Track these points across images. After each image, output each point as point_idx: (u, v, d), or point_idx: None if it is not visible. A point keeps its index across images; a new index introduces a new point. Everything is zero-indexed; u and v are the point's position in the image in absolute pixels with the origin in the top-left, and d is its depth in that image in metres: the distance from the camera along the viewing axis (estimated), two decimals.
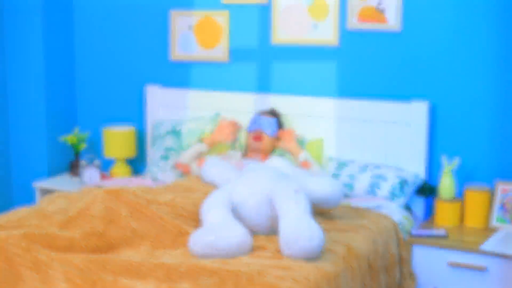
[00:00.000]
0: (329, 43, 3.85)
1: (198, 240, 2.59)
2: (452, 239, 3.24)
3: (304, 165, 3.62)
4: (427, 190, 3.59)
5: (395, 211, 3.40)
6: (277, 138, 3.78)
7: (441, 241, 3.20)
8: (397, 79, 3.73)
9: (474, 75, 3.56)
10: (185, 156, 3.80)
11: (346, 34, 3.83)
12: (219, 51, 4.14)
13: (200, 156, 3.81)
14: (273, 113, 3.82)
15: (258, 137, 3.73)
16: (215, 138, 3.84)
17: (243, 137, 3.91)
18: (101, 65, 4.51)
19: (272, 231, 2.86)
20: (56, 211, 2.98)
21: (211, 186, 3.33)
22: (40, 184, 4.19)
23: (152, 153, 4.06)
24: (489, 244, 3.13)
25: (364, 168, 3.62)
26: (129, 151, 4.22)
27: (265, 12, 4.00)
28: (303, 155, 3.65)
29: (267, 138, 3.72)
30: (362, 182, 3.55)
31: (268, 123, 3.74)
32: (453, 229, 3.37)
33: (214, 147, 3.85)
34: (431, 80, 3.66)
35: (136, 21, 4.37)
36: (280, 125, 3.81)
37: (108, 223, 2.80)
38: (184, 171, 3.81)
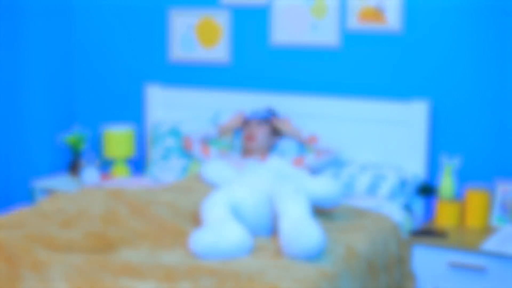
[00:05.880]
0: (329, 43, 3.85)
1: (198, 240, 2.59)
2: (452, 239, 3.24)
3: (312, 140, 3.69)
4: (427, 190, 3.59)
5: (395, 211, 3.40)
6: (273, 129, 3.80)
7: (441, 241, 3.20)
8: (397, 78, 3.74)
9: (475, 74, 3.57)
10: (195, 134, 3.86)
11: (346, 34, 3.83)
12: (219, 51, 4.14)
13: (207, 140, 3.87)
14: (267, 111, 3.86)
15: (249, 137, 3.74)
16: (227, 125, 3.87)
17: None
18: (101, 65, 4.51)
19: (272, 231, 2.86)
20: (56, 211, 2.98)
21: (211, 186, 3.33)
22: (39, 184, 4.18)
23: (152, 153, 4.06)
24: (489, 244, 3.13)
25: (364, 168, 3.62)
26: (129, 151, 4.22)
27: (265, 12, 4.00)
28: (306, 132, 3.73)
29: (259, 134, 3.74)
30: (362, 182, 3.55)
31: (257, 112, 3.78)
32: (453, 229, 3.37)
33: (223, 135, 3.91)
34: (431, 80, 3.66)
35: (136, 21, 4.37)
36: (273, 115, 3.83)
37: (108, 223, 2.80)
38: (186, 147, 3.87)
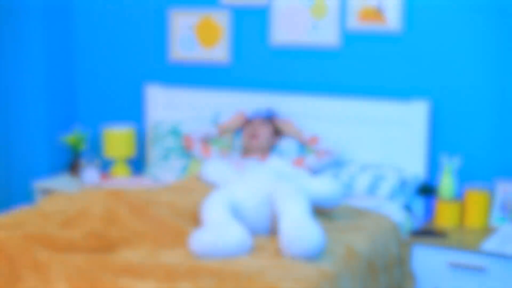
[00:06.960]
0: (329, 43, 3.85)
1: (198, 240, 2.59)
2: (452, 239, 3.24)
3: (313, 141, 3.70)
4: (427, 190, 3.59)
5: (395, 211, 3.40)
6: (275, 128, 3.80)
7: (441, 241, 3.20)
8: (397, 78, 3.74)
9: (475, 75, 3.57)
10: (195, 133, 3.86)
11: (346, 34, 3.83)
12: (219, 51, 4.14)
13: (207, 140, 3.87)
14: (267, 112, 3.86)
15: (253, 135, 3.75)
16: (228, 124, 3.87)
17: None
18: (101, 65, 4.51)
19: (272, 231, 2.86)
20: (56, 211, 2.98)
21: (211, 186, 3.33)
22: (40, 184, 4.18)
23: (152, 153, 4.06)
24: (489, 244, 3.13)
25: (364, 168, 3.62)
26: (129, 151, 4.22)
27: (265, 12, 4.00)
28: (307, 133, 3.74)
29: (262, 132, 3.74)
30: (362, 182, 3.55)
31: (259, 112, 3.79)
32: (453, 229, 3.37)
33: (223, 135, 3.91)
34: (431, 80, 3.66)
35: (136, 21, 4.37)
36: (273, 115, 3.84)
37: (108, 223, 2.80)
38: (187, 146, 3.87)
